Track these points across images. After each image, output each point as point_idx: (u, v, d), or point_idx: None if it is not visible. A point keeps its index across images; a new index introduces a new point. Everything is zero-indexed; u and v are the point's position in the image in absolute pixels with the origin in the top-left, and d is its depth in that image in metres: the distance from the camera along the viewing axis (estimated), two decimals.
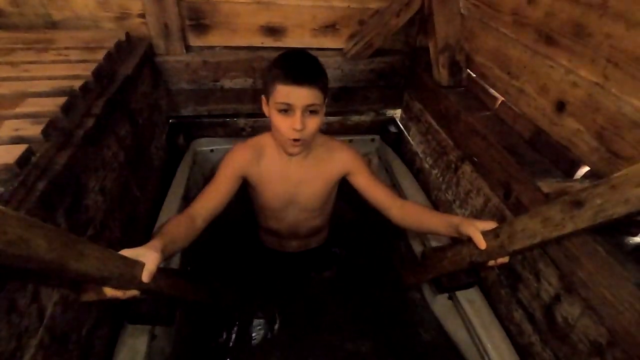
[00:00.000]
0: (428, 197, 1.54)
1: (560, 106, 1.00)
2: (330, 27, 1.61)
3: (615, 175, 0.55)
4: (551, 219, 0.65)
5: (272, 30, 1.57)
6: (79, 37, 1.26)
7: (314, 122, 0.95)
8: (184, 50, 1.49)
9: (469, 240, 0.88)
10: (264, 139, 1.13)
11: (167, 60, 1.48)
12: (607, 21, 0.86)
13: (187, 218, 0.98)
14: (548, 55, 1.04)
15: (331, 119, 1.84)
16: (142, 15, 1.41)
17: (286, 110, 0.92)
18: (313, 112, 0.94)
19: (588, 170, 0.94)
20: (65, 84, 0.95)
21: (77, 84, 0.96)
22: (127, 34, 1.34)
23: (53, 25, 1.37)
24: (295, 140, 0.95)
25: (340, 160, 1.15)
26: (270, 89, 0.93)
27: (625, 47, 0.82)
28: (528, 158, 1.05)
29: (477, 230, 0.85)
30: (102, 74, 1.08)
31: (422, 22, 1.57)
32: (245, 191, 1.26)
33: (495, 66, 1.27)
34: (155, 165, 1.45)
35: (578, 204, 0.59)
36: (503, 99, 1.24)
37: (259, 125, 1.78)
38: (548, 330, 0.93)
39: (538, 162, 1.04)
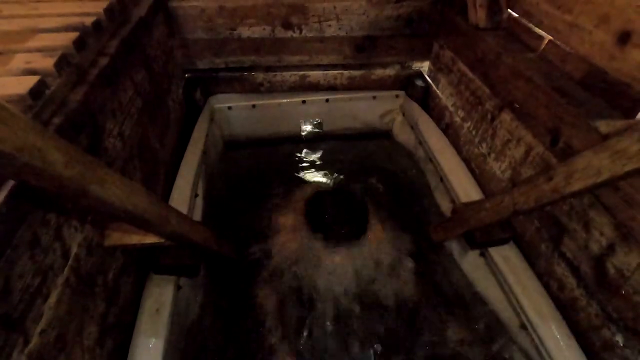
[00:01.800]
0: (459, 152, 1.45)
1: (624, 37, 0.87)
2: None
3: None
4: (624, 151, 0.57)
5: None
6: None
7: None
8: None
9: (513, 187, 0.80)
10: None
11: (181, 5, 1.39)
12: None
13: None
14: None
15: (354, 72, 1.73)
16: None
17: None
18: None
19: None
20: (76, 20, 0.88)
21: (89, 20, 0.89)
22: None
23: None
24: None
25: None
26: None
27: None
28: (580, 99, 0.94)
29: None
30: (115, 13, 1.00)
31: None
32: None
33: (542, 1, 1.14)
34: (172, 119, 1.40)
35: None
36: (551, 37, 1.11)
37: (278, 81, 1.70)
38: (595, 284, 0.86)
39: (592, 103, 0.93)
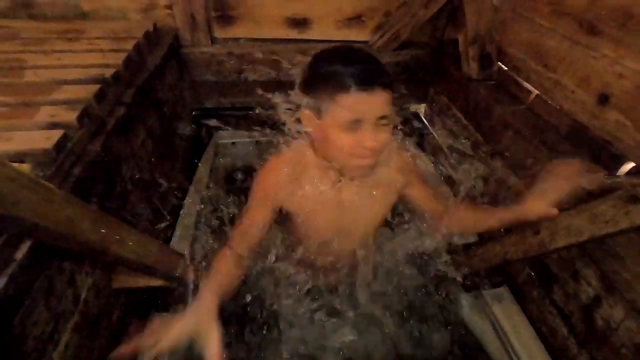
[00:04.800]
0: (453, 194, 1.50)
1: (603, 99, 0.95)
2: (355, 19, 1.58)
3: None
4: (601, 215, 0.62)
5: (297, 22, 1.55)
6: (108, 28, 1.27)
7: (386, 135, 0.73)
8: (209, 42, 1.49)
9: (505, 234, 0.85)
10: (302, 155, 0.86)
11: (193, 51, 1.48)
12: None
13: (231, 256, 0.81)
14: (590, 45, 0.99)
15: None
16: (169, 7, 1.41)
17: (353, 126, 0.70)
18: (384, 123, 0.72)
19: (633, 167, 0.89)
20: (97, 72, 0.95)
21: (109, 72, 0.96)
22: (155, 25, 1.34)
23: (82, 15, 1.39)
24: (364, 158, 0.74)
25: (400, 169, 0.90)
26: (324, 102, 0.71)
27: None
28: (565, 154, 1.01)
29: (549, 205, 0.72)
30: (132, 63, 1.08)
31: (451, 13, 1.53)
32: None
33: (529, 58, 1.23)
34: (179, 155, 1.46)
35: (635, 199, 0.56)
36: (538, 92, 1.20)
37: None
38: (586, 333, 0.89)
39: (575, 156, 0.99)
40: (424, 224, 1.06)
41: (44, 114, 0.78)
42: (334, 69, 0.68)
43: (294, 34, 1.58)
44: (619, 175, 0.89)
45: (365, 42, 1.64)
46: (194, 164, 1.58)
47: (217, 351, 0.57)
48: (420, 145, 1.81)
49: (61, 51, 1.07)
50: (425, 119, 1.81)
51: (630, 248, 0.75)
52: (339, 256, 1.01)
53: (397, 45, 1.59)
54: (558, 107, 1.11)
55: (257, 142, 1.84)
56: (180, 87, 1.49)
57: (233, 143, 1.81)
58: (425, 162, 1.69)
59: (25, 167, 0.65)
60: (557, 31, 1.10)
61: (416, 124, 1.83)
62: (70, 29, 1.23)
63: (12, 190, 0.32)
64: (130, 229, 0.54)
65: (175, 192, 1.37)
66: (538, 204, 0.73)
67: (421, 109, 1.86)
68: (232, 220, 1.47)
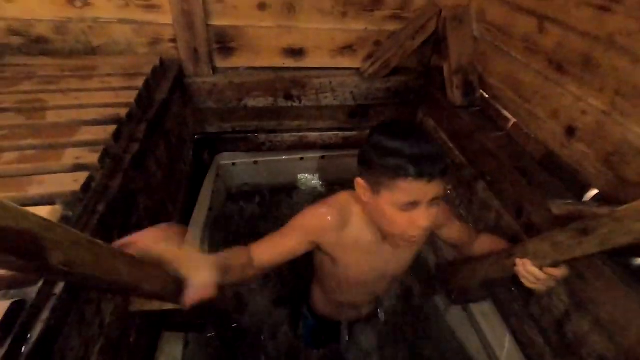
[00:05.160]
0: None
1: (570, 131, 1.06)
2: (347, 48, 1.69)
3: (620, 208, 0.61)
4: (561, 244, 0.72)
5: (293, 52, 1.65)
6: (117, 63, 1.36)
7: (436, 213, 0.78)
8: (211, 72, 1.59)
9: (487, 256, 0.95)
10: (350, 203, 0.91)
11: (196, 81, 1.58)
12: (613, 55, 0.92)
13: (248, 255, 0.86)
14: (559, 82, 1.10)
15: (348, 133, 1.92)
16: (173, 40, 1.51)
17: (408, 207, 0.75)
18: (437, 202, 0.77)
19: (597, 193, 1.00)
20: (113, 112, 1.04)
21: (123, 111, 1.05)
22: (161, 59, 1.44)
23: (92, 50, 1.48)
24: (414, 234, 0.78)
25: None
26: (383, 181, 0.74)
27: (630, 80, 0.88)
28: (540, 179, 1.11)
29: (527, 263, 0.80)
30: (143, 100, 1.17)
31: (437, 43, 1.64)
32: None
33: (507, 88, 1.34)
34: (183, 179, 1.55)
35: (585, 231, 0.66)
36: (515, 120, 1.31)
37: (278, 141, 1.87)
38: (559, 345, 0.98)
39: (549, 184, 1.09)
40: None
41: (70, 156, 0.87)
42: (397, 157, 0.71)
43: (290, 62, 1.68)
44: (583, 202, 0.99)
45: (357, 69, 1.75)
46: (197, 185, 1.66)
47: (196, 289, 0.62)
48: None
49: (77, 90, 1.16)
50: None
51: (592, 269, 0.85)
52: (366, 295, 1.08)
53: (387, 73, 1.70)
54: (533, 136, 1.21)
55: (255, 162, 1.94)
56: (184, 114, 1.59)
57: (233, 164, 1.90)
58: None
59: (57, 209, 0.74)
60: (531, 66, 1.21)
61: None
62: (83, 66, 1.32)
63: (77, 253, 0.41)
64: (156, 267, 0.62)
65: (181, 214, 1.46)
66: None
67: None
68: (235, 242, 1.56)
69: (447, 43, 1.53)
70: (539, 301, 1.04)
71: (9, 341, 0.54)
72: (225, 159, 1.88)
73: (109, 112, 1.04)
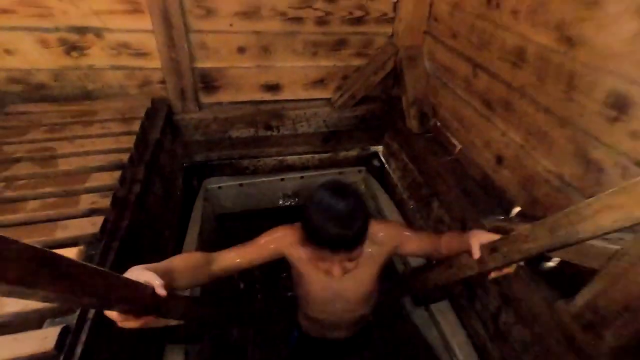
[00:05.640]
0: (407, 224, 1.83)
1: (499, 159, 1.30)
2: (319, 82, 1.91)
3: (513, 233, 0.84)
4: (483, 259, 0.94)
5: (271, 87, 1.86)
6: (113, 108, 1.52)
7: (353, 263, 0.89)
8: (197, 108, 1.77)
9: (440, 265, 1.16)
10: None
11: (184, 117, 1.75)
12: (524, 102, 1.17)
13: (203, 258, 0.92)
14: (489, 118, 1.34)
15: (323, 155, 2.13)
16: (162, 82, 1.68)
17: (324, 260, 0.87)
18: (353, 258, 0.88)
19: (520, 210, 1.24)
20: (116, 157, 1.22)
21: (124, 157, 1.23)
22: (152, 100, 1.61)
23: (87, 94, 1.64)
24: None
25: (387, 240, 1.04)
26: (307, 236, 0.86)
27: (536, 123, 1.13)
28: (478, 198, 1.35)
29: (477, 242, 0.92)
30: (140, 143, 1.35)
31: (396, 77, 1.87)
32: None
33: (453, 119, 1.58)
34: (175, 205, 1.71)
35: (494, 249, 0.88)
36: (461, 147, 1.55)
37: (261, 165, 2.07)
38: (495, 333, 1.22)
39: (486, 202, 1.33)
40: None
41: (85, 202, 1.04)
42: (314, 224, 0.81)
43: (268, 96, 1.88)
44: (508, 218, 1.23)
45: (328, 99, 1.97)
46: (188, 207, 1.83)
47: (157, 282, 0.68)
48: (381, 179, 2.15)
49: (81, 137, 1.32)
50: (384, 158, 2.15)
51: (513, 273, 1.08)
52: (339, 316, 1.17)
53: (355, 103, 1.92)
54: (474, 161, 1.46)
55: (240, 184, 2.12)
56: (174, 147, 1.76)
57: (220, 187, 2.08)
58: (385, 198, 2.02)
59: (82, 249, 0.91)
60: (470, 103, 1.46)
61: (376, 162, 2.16)
62: (83, 111, 1.48)
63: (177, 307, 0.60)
64: (183, 297, 0.81)
65: (175, 237, 1.63)
66: (475, 237, 0.93)
67: (380, 149, 2.20)
68: None
69: (404, 78, 1.76)
70: (480, 299, 1.28)
71: (61, 358, 0.72)
72: (212, 183, 2.05)
73: (113, 158, 1.21)
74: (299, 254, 1.01)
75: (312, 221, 0.83)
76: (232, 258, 0.97)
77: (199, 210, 1.87)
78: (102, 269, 0.56)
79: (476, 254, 0.91)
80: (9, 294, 0.40)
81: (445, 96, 1.63)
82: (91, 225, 0.96)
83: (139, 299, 0.64)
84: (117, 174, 1.15)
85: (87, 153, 1.24)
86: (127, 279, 0.64)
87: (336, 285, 1.06)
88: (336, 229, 0.80)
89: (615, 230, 0.61)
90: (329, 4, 1.67)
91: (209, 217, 2.05)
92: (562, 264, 1.00)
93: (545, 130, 1.09)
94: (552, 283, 1.00)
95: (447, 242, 1.08)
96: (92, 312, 0.81)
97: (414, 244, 1.08)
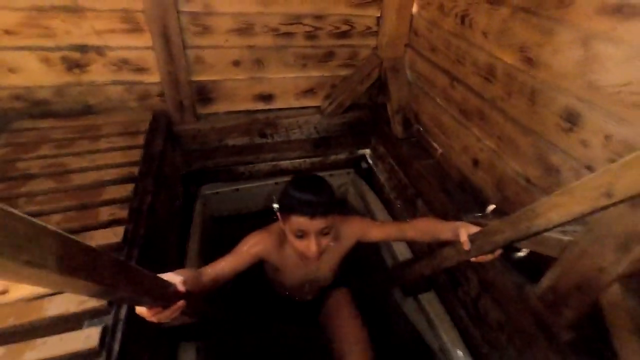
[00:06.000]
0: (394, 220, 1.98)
1: (475, 162, 1.46)
2: (309, 91, 2.03)
3: (487, 227, 0.99)
4: (458, 249, 1.09)
5: (264, 97, 1.97)
6: (116, 122, 1.61)
7: (327, 239, 1.07)
8: (195, 119, 1.86)
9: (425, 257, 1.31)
10: (281, 231, 1.18)
11: (182, 128, 1.84)
12: (495, 112, 1.33)
13: (194, 273, 1.01)
14: (466, 125, 1.50)
15: (314, 159, 2.25)
16: (161, 95, 1.77)
17: (302, 235, 1.05)
18: (326, 233, 1.06)
19: (494, 207, 1.40)
20: (127, 171, 1.31)
21: (135, 170, 1.32)
22: (153, 114, 1.70)
23: (88, 108, 1.71)
24: (311, 255, 1.06)
25: (350, 232, 1.26)
26: (285, 214, 1.06)
27: (505, 131, 1.29)
28: (458, 198, 1.51)
29: (465, 233, 1.05)
30: (146, 156, 1.44)
31: (381, 86, 2.02)
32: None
33: (434, 126, 1.73)
34: (176, 212, 1.81)
35: (472, 241, 1.03)
36: (442, 150, 1.70)
37: (256, 170, 2.17)
38: (476, 317, 1.38)
39: (464, 200, 1.49)
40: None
41: (104, 214, 1.13)
42: (292, 198, 1.03)
43: (262, 105, 1.99)
44: (484, 215, 1.39)
45: (318, 107, 2.09)
46: (187, 212, 1.92)
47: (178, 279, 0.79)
48: (369, 181, 2.29)
49: (90, 152, 1.40)
50: (371, 161, 2.29)
51: (490, 263, 1.24)
52: (310, 289, 1.41)
53: (343, 110, 2.05)
54: (453, 164, 1.61)
55: (236, 189, 2.22)
56: (173, 156, 1.85)
57: (216, 193, 2.17)
58: (372, 197, 2.17)
59: None
60: (448, 111, 1.61)
61: (364, 164, 2.31)
62: (87, 126, 1.56)
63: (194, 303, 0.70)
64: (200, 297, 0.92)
65: (178, 240, 1.72)
66: (464, 228, 1.08)
67: (367, 152, 2.34)
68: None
69: (388, 87, 1.91)
70: (462, 287, 1.44)
71: (104, 355, 0.82)
72: (210, 189, 2.15)
73: (124, 172, 1.31)
74: (277, 254, 1.21)
75: (290, 196, 1.04)
76: (219, 269, 1.09)
77: (199, 215, 1.96)
78: (148, 271, 0.67)
79: (466, 244, 1.04)
80: (99, 295, 0.51)
81: (427, 104, 1.78)
82: (114, 235, 1.06)
83: (166, 294, 0.75)
84: (130, 186, 1.24)
85: (99, 167, 1.32)
86: (161, 278, 0.74)
87: (309, 272, 1.29)
88: (311, 194, 1.02)
89: (561, 224, 0.77)
90: (317, 20, 1.80)
91: (207, 222, 2.15)
92: (530, 254, 1.16)
93: (513, 137, 1.25)
94: (522, 270, 1.16)
95: (424, 226, 1.25)
96: (123, 313, 0.92)
97: (377, 233, 1.28)
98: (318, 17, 1.79)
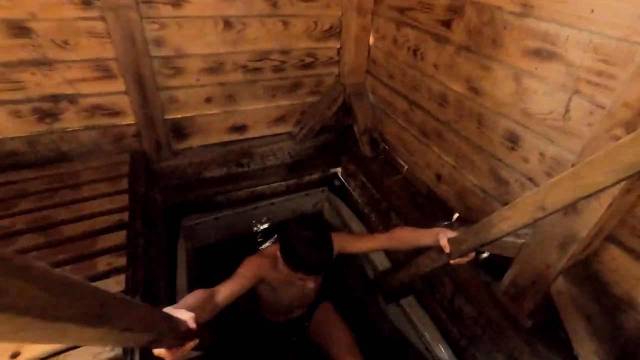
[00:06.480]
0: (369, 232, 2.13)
1: (439, 177, 1.65)
2: (280, 119, 2.14)
3: (456, 236, 1.16)
4: (431, 257, 1.25)
5: (238, 128, 2.05)
6: (94, 167, 1.62)
7: (321, 277, 1.31)
8: (172, 155, 1.91)
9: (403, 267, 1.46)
10: (277, 252, 1.28)
11: (160, 166, 1.88)
12: (451, 134, 1.52)
13: (209, 293, 1.08)
14: (427, 144, 1.69)
15: (290, 182, 2.36)
16: (136, 135, 1.80)
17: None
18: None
19: (458, 216, 1.59)
20: (116, 218, 1.34)
21: (124, 215, 1.36)
22: (132, 157, 1.73)
23: (62, 155, 1.70)
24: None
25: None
26: (290, 266, 1.18)
27: (461, 149, 1.48)
28: (427, 209, 1.68)
29: (444, 237, 1.16)
30: (132, 199, 1.47)
31: (346, 110, 2.18)
32: None
33: (399, 145, 1.92)
34: (162, 246, 1.83)
35: (441, 251, 1.19)
36: (407, 167, 1.88)
37: (234, 198, 2.24)
38: (452, 315, 1.54)
39: (432, 211, 1.67)
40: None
41: (102, 263, 1.16)
42: (298, 257, 1.15)
43: (236, 136, 2.08)
44: (448, 223, 1.57)
45: (289, 133, 2.21)
46: (170, 243, 1.95)
47: (190, 317, 0.83)
48: (343, 198, 2.43)
49: (74, 201, 1.41)
50: (343, 179, 2.44)
51: (461, 265, 1.42)
52: (299, 305, 1.55)
53: (314, 134, 2.19)
54: (419, 179, 1.79)
55: (216, 218, 2.27)
56: (154, 194, 1.88)
57: (197, 224, 2.21)
58: (347, 212, 2.31)
59: None
60: (410, 132, 1.80)
61: (337, 182, 2.45)
62: (65, 175, 1.56)
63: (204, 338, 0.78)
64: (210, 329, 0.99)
65: (166, 272, 1.75)
66: (443, 233, 1.21)
67: (339, 170, 2.49)
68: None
69: (354, 110, 2.07)
70: (439, 289, 1.60)
71: None
72: (190, 221, 2.18)
73: (114, 218, 1.34)
74: (273, 275, 1.32)
75: (296, 254, 1.15)
76: (228, 290, 1.17)
77: (182, 249, 1.99)
78: (167, 313, 0.75)
79: (447, 247, 1.16)
80: (132, 342, 0.59)
81: (390, 125, 1.96)
82: (116, 284, 1.10)
83: (182, 333, 0.79)
84: (123, 233, 1.28)
85: (87, 217, 1.34)
86: (177, 318, 0.79)
87: (302, 291, 1.40)
88: (317, 254, 1.14)
89: (511, 232, 0.94)
90: (283, 55, 1.93)
91: (191, 253, 2.17)
92: (492, 255, 1.35)
93: (468, 154, 1.45)
94: (488, 271, 1.34)
95: (403, 235, 1.34)
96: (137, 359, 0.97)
97: (355, 246, 1.40)
98: (284, 52, 1.92)
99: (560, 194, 0.81)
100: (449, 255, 1.19)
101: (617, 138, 0.81)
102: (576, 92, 1.00)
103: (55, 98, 1.58)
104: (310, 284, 1.22)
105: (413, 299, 1.80)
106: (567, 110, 1.04)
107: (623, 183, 0.79)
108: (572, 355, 1.01)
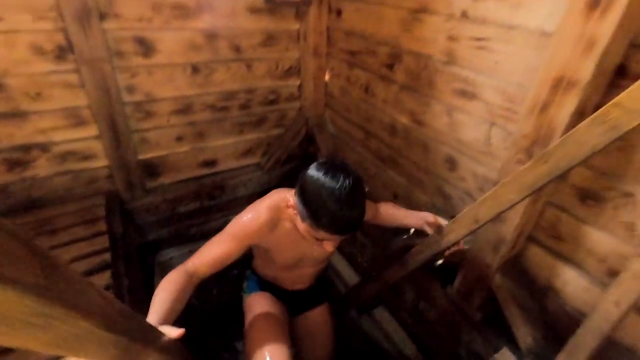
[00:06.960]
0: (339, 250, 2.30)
1: (395, 196, 1.87)
2: (248, 152, 2.29)
3: (426, 240, 1.35)
4: (403, 264, 1.44)
5: (208, 163, 2.17)
6: (69, 212, 1.66)
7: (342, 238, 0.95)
8: (145, 194, 1.97)
9: (374, 279, 1.62)
10: (284, 201, 1.07)
11: (134, 205, 1.94)
12: (402, 158, 1.75)
13: (184, 278, 0.94)
14: (384, 169, 1.91)
15: None
16: (108, 177, 1.86)
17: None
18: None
19: (415, 230, 1.80)
20: (99, 259, 1.40)
21: (106, 257, 1.42)
22: (106, 198, 1.78)
23: (32, 202, 1.72)
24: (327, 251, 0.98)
25: None
26: (309, 219, 0.88)
27: (411, 172, 1.71)
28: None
29: (431, 216, 1.24)
30: (112, 241, 1.53)
31: (309, 140, 2.37)
32: None
33: (359, 169, 2.12)
34: (141, 281, 1.86)
35: (412, 254, 1.39)
36: (368, 188, 2.09)
37: (207, 229, 2.32)
38: (417, 319, 1.73)
39: (393, 227, 1.87)
40: None
41: None
42: (324, 211, 0.83)
43: (206, 170, 2.19)
44: (407, 236, 1.78)
45: (258, 164, 2.36)
46: (147, 278, 1.98)
47: (174, 332, 0.77)
48: None
49: (53, 248, 1.45)
50: None
51: (419, 271, 1.62)
52: (300, 274, 1.34)
53: (280, 164, 2.35)
54: (379, 198, 2.00)
55: (190, 251, 2.32)
56: (129, 232, 1.92)
57: (171, 258, 2.25)
58: None
59: None
60: (367, 158, 2.02)
61: None
62: (39, 221, 1.58)
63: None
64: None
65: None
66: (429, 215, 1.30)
67: None
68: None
69: (316, 140, 2.27)
70: (403, 296, 1.79)
71: None
72: (164, 256, 2.22)
73: (96, 261, 1.39)
74: (271, 237, 1.08)
75: (321, 206, 0.84)
76: (212, 261, 1.01)
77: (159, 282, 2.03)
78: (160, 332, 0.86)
79: (436, 223, 1.26)
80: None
81: (350, 153, 2.18)
82: None
83: (177, 349, 0.84)
84: (107, 274, 1.34)
85: (71, 260, 1.39)
86: (171, 339, 0.78)
87: (305, 250, 1.14)
88: (348, 211, 0.84)
89: (458, 241, 1.15)
90: (248, 93, 2.09)
91: None
92: (445, 263, 1.56)
93: (418, 176, 1.68)
94: (443, 276, 1.55)
95: (391, 210, 1.40)
96: None
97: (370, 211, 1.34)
98: (249, 91, 2.09)
99: (487, 209, 1.03)
100: (383, 284, 1.34)
101: (521, 161, 1.06)
102: (493, 123, 1.26)
103: (26, 147, 1.61)
104: (329, 247, 0.95)
105: (382, 308, 1.97)
106: (488, 138, 1.29)
107: (530, 197, 1.03)
108: (514, 338, 1.23)
